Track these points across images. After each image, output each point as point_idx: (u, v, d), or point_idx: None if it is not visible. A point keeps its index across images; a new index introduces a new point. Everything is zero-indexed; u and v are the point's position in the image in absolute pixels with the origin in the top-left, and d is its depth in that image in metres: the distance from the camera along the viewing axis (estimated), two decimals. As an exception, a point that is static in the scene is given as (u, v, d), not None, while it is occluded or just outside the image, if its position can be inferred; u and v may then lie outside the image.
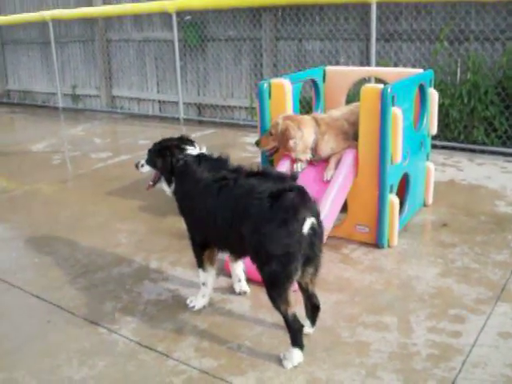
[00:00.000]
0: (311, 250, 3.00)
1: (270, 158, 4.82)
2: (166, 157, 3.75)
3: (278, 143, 4.54)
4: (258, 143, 4.72)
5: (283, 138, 4.44)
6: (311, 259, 3.05)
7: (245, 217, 3.11)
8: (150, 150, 3.95)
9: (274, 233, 2.95)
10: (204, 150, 3.81)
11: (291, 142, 4.43)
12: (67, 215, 5.68)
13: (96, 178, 6.94)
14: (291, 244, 2.91)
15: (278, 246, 2.93)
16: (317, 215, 3.04)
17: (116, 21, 11.36)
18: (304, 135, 4.46)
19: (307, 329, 3.30)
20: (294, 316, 3.07)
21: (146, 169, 3.95)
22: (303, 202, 2.96)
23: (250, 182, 3.21)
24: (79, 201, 6.11)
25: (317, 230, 3.02)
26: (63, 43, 12.46)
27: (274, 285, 3.04)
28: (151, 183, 3.94)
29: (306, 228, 2.94)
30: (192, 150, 3.74)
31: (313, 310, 3.32)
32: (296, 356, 3.10)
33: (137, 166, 4.01)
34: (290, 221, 2.91)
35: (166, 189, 3.83)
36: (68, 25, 12.25)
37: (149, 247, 4.78)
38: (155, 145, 3.93)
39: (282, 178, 3.21)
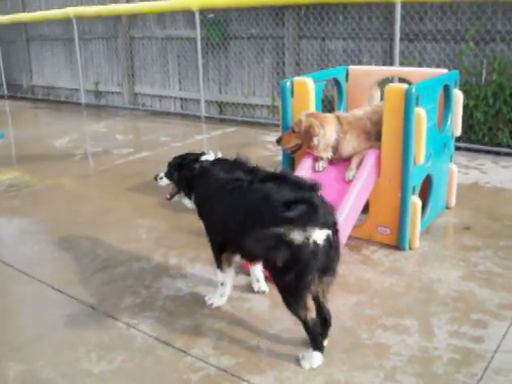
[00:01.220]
0: (327, 262, 2.92)
1: (291, 156, 4.78)
2: (183, 171, 3.79)
3: (301, 141, 4.51)
4: (279, 141, 4.69)
5: (307, 135, 4.41)
6: (326, 271, 2.97)
7: (258, 224, 2.97)
8: (169, 164, 3.98)
9: None
10: (220, 155, 3.82)
11: (315, 140, 4.39)
12: (88, 210, 5.71)
13: (117, 173, 6.97)
14: (304, 256, 2.84)
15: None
16: (333, 226, 2.96)
17: (139, 18, 11.41)
18: (326, 133, 4.42)
19: None
20: (313, 320, 3.03)
21: (165, 182, 4.00)
22: (315, 215, 2.85)
23: (266, 187, 3.11)
24: (100, 196, 6.14)
25: (332, 242, 2.93)
26: (87, 40, 12.55)
27: (290, 294, 3.00)
28: (168, 196, 4.01)
29: (320, 240, 2.86)
30: (208, 157, 3.77)
31: (322, 323, 3.15)
32: (316, 359, 3.08)
33: (156, 179, 4.05)
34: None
35: (186, 202, 3.89)
36: (92, 22, 12.32)
37: (168, 243, 4.78)
38: (175, 159, 3.96)
39: (299, 185, 3.05)
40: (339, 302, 3.69)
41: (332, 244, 2.93)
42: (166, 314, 3.67)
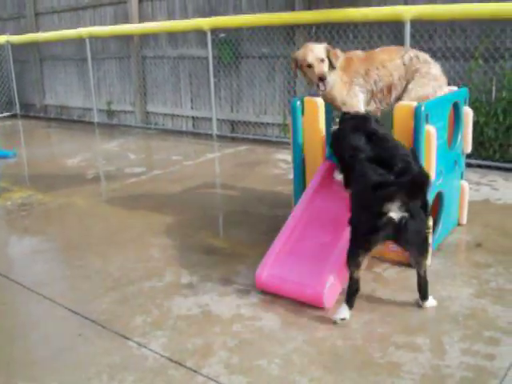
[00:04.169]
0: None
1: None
2: None
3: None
4: (322, 78, 4.63)
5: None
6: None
7: None
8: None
9: None
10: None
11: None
12: (100, 229, 5.74)
13: (129, 192, 7.01)
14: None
15: None
16: None
17: (151, 38, 11.53)
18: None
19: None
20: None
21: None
22: None
23: None
24: (112, 215, 6.17)
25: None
26: (99, 60, 12.68)
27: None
28: None
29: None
30: None
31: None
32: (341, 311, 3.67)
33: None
34: None
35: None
36: (104, 42, 12.47)
37: (180, 262, 4.79)
38: None
39: None
40: (350, 320, 3.68)
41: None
42: (178, 333, 3.67)
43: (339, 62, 4.68)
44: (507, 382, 3.01)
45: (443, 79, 4.77)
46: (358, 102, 4.66)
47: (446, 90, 4.75)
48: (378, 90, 4.70)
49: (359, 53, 4.84)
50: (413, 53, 4.74)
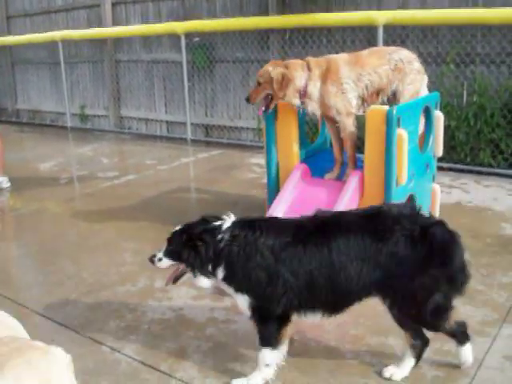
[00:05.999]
0: None
1: (268, 112, 4.76)
2: (198, 247, 3.07)
3: (271, 90, 4.58)
4: (248, 99, 4.72)
5: (281, 84, 4.52)
6: None
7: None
8: (171, 240, 3.25)
9: None
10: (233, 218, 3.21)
11: (290, 88, 4.50)
12: (73, 234, 5.70)
13: (103, 197, 6.97)
14: None
15: None
16: None
17: (125, 42, 11.49)
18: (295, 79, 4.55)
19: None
20: None
21: (166, 263, 3.27)
22: None
23: None
24: (85, 219, 6.12)
25: None
26: (73, 63, 12.60)
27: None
28: (172, 280, 3.35)
29: None
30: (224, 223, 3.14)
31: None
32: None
33: (152, 261, 3.28)
34: None
35: (202, 283, 3.17)
36: (77, 45, 12.39)
37: (153, 267, 4.75)
38: (179, 234, 3.21)
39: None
40: (324, 322, 3.70)
41: None
42: (151, 338, 3.66)
43: (318, 73, 4.55)
44: (477, 380, 3.06)
45: (423, 70, 4.88)
46: (351, 109, 4.58)
47: (425, 79, 4.90)
48: (369, 95, 4.67)
49: (345, 56, 4.70)
50: (397, 55, 4.73)
